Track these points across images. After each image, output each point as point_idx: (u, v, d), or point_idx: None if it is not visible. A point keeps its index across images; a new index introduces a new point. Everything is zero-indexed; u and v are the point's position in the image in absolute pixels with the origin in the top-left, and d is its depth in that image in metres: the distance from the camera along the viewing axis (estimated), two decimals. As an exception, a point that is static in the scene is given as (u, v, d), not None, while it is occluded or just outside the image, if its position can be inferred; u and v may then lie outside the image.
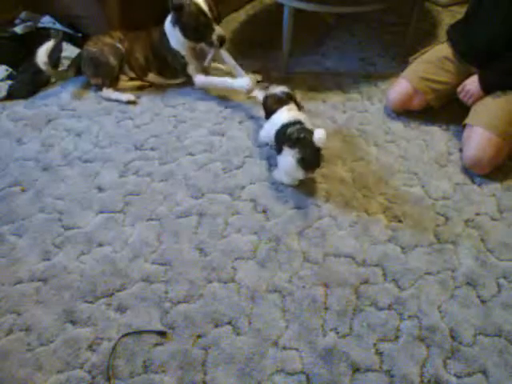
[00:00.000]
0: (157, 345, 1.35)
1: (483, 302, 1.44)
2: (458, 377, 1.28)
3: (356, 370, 1.29)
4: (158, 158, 1.95)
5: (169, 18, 2.16)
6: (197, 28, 2.05)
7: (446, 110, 2.17)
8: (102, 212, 1.73)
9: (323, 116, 2.15)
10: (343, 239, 1.63)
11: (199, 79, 2.22)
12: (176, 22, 2.10)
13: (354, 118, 2.14)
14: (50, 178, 1.87)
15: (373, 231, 1.66)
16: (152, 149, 2.00)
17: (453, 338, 1.36)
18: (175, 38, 2.15)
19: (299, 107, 1.88)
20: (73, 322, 1.41)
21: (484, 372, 1.29)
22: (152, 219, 1.70)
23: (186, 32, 2.10)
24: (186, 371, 1.30)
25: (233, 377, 1.28)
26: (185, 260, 1.57)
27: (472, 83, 1.89)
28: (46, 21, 2.55)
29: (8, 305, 1.46)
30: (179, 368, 1.30)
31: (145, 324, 1.40)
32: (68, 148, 2.01)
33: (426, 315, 1.41)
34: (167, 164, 1.92)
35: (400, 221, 1.69)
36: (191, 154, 1.96)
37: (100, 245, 1.62)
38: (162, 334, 1.37)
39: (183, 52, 2.18)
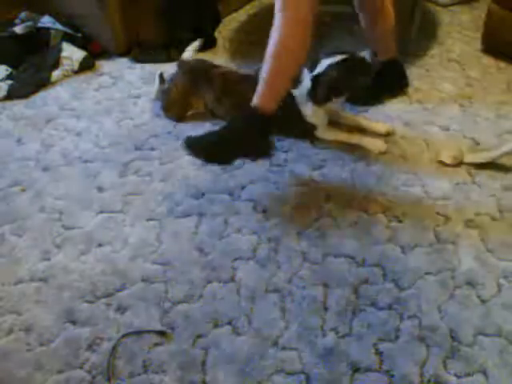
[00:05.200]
0: (157, 345, 1.35)
1: (483, 301, 1.44)
2: (458, 377, 1.28)
3: (356, 369, 1.29)
4: (158, 157, 1.95)
5: (301, 100, 1.90)
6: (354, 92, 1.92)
7: (446, 110, 2.18)
8: (102, 212, 1.73)
9: (323, 116, 2.15)
10: (343, 239, 1.63)
11: (324, 135, 2.04)
12: (323, 102, 1.87)
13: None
14: (50, 178, 1.87)
15: (373, 231, 1.66)
16: (152, 149, 2.00)
17: (453, 338, 1.36)
18: (315, 115, 1.94)
19: None
20: (73, 322, 1.41)
21: (484, 372, 1.29)
22: (152, 219, 1.70)
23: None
24: (186, 371, 1.30)
25: (233, 377, 1.28)
26: (185, 260, 1.57)
27: None
28: (46, 21, 2.55)
29: (8, 305, 1.46)
30: (179, 368, 1.30)
31: (145, 324, 1.40)
32: (68, 148, 2.01)
33: (426, 315, 1.41)
34: (167, 164, 1.92)
35: (400, 221, 1.69)
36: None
37: (100, 245, 1.62)
38: (162, 333, 1.37)
39: (320, 123, 1.98)
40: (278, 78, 1.65)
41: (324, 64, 1.85)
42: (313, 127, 1.99)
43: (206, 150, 1.69)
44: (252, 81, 1.81)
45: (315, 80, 1.85)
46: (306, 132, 2.01)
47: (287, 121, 1.94)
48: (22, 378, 1.29)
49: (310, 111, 1.93)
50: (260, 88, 1.65)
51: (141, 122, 2.14)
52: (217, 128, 1.75)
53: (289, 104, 1.86)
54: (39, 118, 2.17)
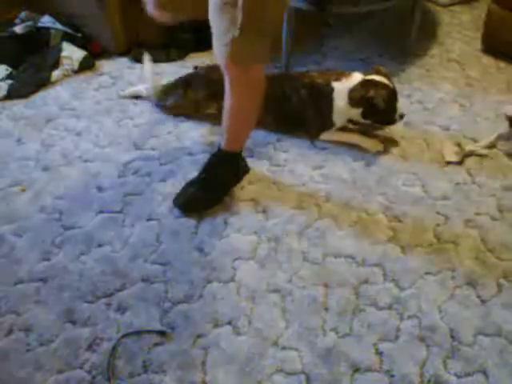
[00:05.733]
0: (157, 345, 1.35)
1: (483, 301, 1.44)
2: (458, 377, 1.28)
3: (356, 369, 1.29)
4: (157, 158, 1.95)
5: (339, 94, 1.92)
6: (387, 113, 1.92)
7: (446, 110, 2.18)
8: (102, 212, 1.73)
9: (323, 116, 2.15)
10: (343, 239, 1.63)
11: (325, 137, 2.03)
12: (357, 105, 1.90)
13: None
14: (50, 178, 1.87)
15: (373, 231, 1.66)
16: (152, 149, 2.00)
17: (453, 337, 1.36)
18: (341, 114, 1.96)
19: None
20: (73, 322, 1.41)
21: (484, 372, 1.29)
22: (152, 219, 1.70)
23: (369, 116, 1.92)
24: (186, 371, 1.29)
25: (233, 377, 1.28)
26: (185, 260, 1.57)
27: None
28: (46, 21, 2.55)
29: (8, 305, 1.45)
30: (179, 368, 1.30)
31: (145, 324, 1.40)
32: (68, 148, 2.01)
33: (426, 315, 1.41)
34: (167, 164, 1.92)
35: (400, 221, 1.69)
36: (191, 154, 1.96)
37: (100, 245, 1.62)
38: (162, 333, 1.37)
39: (338, 124, 1.98)
40: (239, 129, 1.69)
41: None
42: (328, 126, 1.99)
43: (197, 205, 1.72)
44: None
45: (362, 84, 1.89)
46: (315, 128, 2.02)
47: (311, 109, 1.97)
48: (22, 378, 1.29)
49: (341, 109, 1.94)
50: (224, 135, 1.67)
51: (141, 122, 2.14)
52: (196, 176, 1.76)
53: (323, 94, 1.93)
54: (39, 118, 2.17)
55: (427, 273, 1.52)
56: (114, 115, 2.18)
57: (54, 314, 1.43)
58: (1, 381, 1.28)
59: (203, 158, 1.93)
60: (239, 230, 1.66)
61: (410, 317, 1.41)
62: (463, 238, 1.63)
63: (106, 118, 2.16)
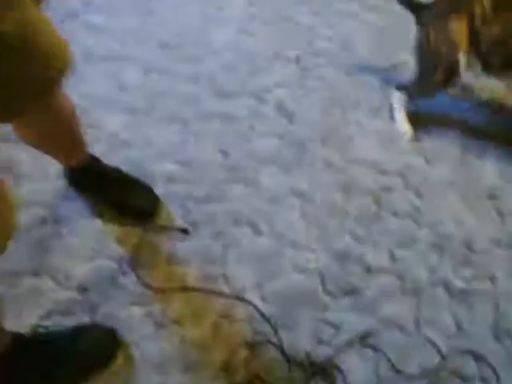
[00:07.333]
0: (179, 241, 1.40)
1: (501, 215, 1.45)
2: (466, 281, 1.33)
3: (368, 270, 1.35)
4: (182, 57, 1.90)
5: None
6: None
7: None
8: (126, 112, 1.71)
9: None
10: (368, 147, 1.61)
11: None
12: None
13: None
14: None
15: (398, 141, 1.63)
16: (176, 47, 1.93)
17: (466, 247, 1.39)
18: None
19: None
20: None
21: (492, 279, 1.33)
22: (175, 121, 1.69)
23: None
24: (207, 265, 1.36)
25: (251, 272, 1.34)
26: (207, 161, 1.58)
27: None
28: None
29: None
30: (201, 262, 1.36)
31: (168, 222, 1.43)
32: (88, 45, 1.95)
33: (444, 225, 1.43)
34: (192, 64, 1.87)
35: (427, 134, 1.65)
36: (217, 54, 1.90)
37: (126, 146, 1.63)
38: (184, 231, 1.42)
39: None
40: None
41: None
42: None
43: None
44: None
45: None
46: None
47: None
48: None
49: None
50: None
51: (165, 19, 2.04)
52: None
53: None
54: (58, 14, 2.09)
55: (449, 184, 1.52)
56: (138, 11, 2.08)
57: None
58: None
59: (229, 58, 1.87)
60: (263, 134, 1.65)
61: (427, 225, 1.43)
62: (490, 151, 1.60)
63: (129, 15, 2.07)
